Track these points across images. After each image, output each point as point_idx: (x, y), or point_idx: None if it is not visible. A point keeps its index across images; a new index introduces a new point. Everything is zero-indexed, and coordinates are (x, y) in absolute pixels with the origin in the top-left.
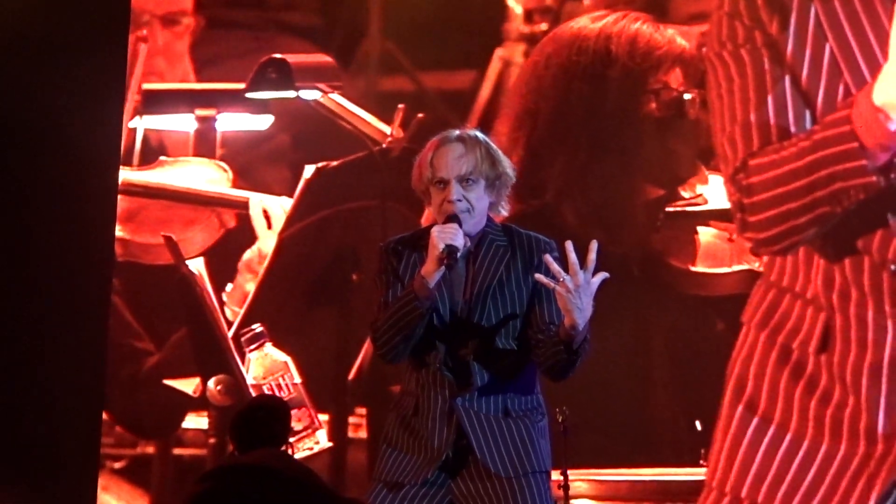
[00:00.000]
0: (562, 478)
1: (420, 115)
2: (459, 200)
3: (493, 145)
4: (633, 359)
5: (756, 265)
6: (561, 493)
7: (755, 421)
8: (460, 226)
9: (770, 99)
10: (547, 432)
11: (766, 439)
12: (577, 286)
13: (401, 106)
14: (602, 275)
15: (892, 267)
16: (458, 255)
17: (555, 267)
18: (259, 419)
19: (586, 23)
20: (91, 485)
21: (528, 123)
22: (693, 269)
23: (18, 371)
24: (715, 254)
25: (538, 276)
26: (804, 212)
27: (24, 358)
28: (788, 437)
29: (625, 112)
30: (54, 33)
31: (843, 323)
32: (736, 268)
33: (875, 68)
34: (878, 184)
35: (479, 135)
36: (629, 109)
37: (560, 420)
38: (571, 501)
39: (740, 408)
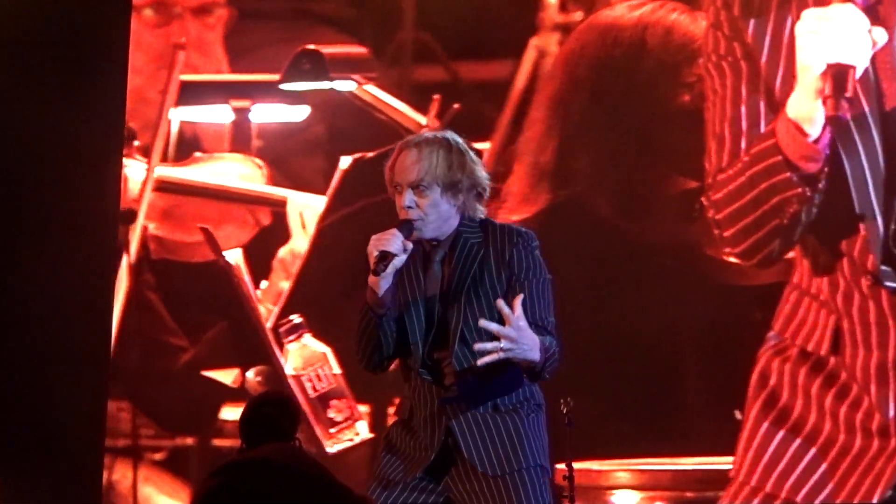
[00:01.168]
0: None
1: (455, 105)
2: (410, 207)
3: (461, 149)
4: (668, 349)
5: (792, 254)
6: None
7: (773, 413)
8: (409, 230)
9: (743, 112)
10: (542, 424)
11: (782, 432)
12: (514, 340)
13: (436, 96)
14: (518, 299)
15: (867, 279)
16: (394, 260)
17: (489, 347)
18: (266, 414)
19: (624, 11)
20: (96, 473)
21: (562, 112)
22: (729, 258)
23: (20, 367)
24: None
25: (481, 360)
26: (760, 225)
27: (26, 353)
28: (805, 431)
29: (658, 104)
30: (50, 27)
31: (849, 325)
32: None
33: None
34: (804, 195)
35: (446, 138)
36: (662, 101)
37: (564, 412)
38: (614, 492)
39: (760, 399)
